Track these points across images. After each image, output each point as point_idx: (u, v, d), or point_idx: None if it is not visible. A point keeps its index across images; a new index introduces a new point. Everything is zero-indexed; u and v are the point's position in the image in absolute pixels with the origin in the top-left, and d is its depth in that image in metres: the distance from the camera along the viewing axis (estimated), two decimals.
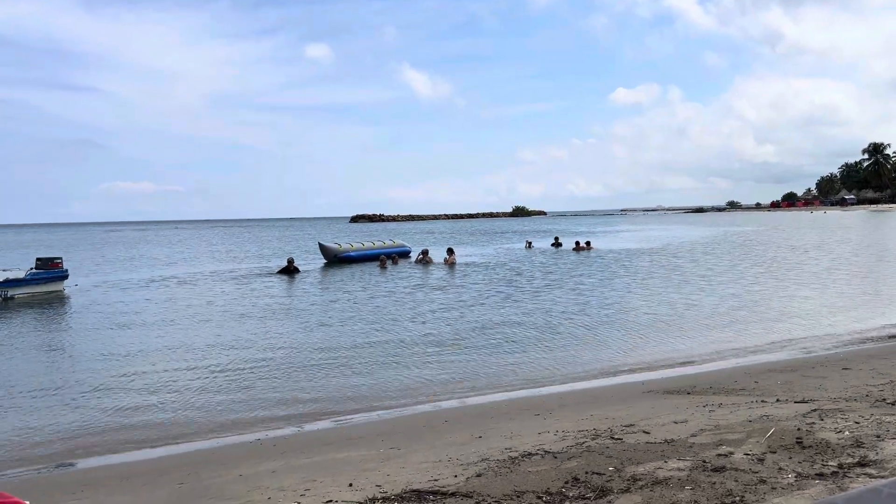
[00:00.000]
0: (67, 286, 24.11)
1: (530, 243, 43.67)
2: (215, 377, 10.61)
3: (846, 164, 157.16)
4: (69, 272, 24.66)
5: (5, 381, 10.71)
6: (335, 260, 33.14)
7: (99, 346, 13.52)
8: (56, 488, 6.07)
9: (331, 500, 4.83)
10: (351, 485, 5.22)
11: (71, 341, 14.40)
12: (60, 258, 24.85)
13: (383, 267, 29.78)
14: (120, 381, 10.50)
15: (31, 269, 23.37)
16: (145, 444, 7.72)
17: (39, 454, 7.43)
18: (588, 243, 38.91)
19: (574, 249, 38.12)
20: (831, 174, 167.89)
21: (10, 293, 21.68)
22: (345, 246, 34.88)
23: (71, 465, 7.11)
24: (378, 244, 36.01)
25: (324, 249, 34.32)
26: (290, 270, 28.04)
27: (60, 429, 8.25)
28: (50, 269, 23.59)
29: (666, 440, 5.80)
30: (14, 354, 12.95)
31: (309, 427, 8.16)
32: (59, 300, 21.68)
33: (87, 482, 6.22)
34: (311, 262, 33.68)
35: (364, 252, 33.86)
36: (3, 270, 22.95)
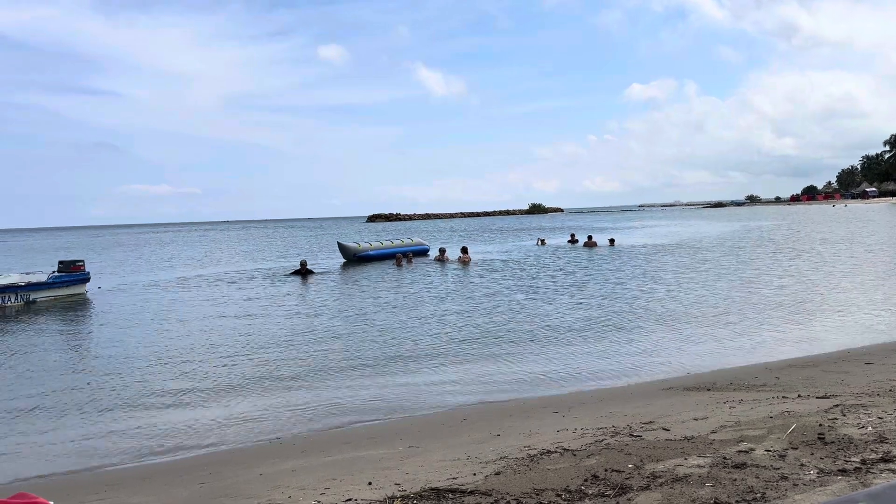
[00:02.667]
0: (90, 289, 24.35)
1: (543, 240, 43.46)
2: (235, 377, 10.68)
3: (867, 156, 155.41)
4: (91, 274, 24.91)
5: (27, 383, 10.85)
6: (354, 259, 33.35)
7: (120, 348, 13.66)
8: (79, 488, 6.15)
9: (350, 499, 4.85)
10: (370, 483, 5.24)
11: (92, 344, 14.56)
12: (82, 261, 25.04)
13: (399, 265, 29.91)
14: (140, 382, 10.59)
15: (54, 272, 23.60)
16: (167, 444, 7.79)
17: (61, 455, 7.52)
18: (612, 241, 38.69)
19: (585, 245, 38.00)
20: (852, 167, 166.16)
21: (32, 297, 21.92)
22: (364, 245, 35.08)
23: (93, 465, 7.19)
24: (396, 243, 36.22)
25: (343, 248, 34.57)
26: (303, 273, 27.64)
27: (82, 430, 8.34)
28: (72, 272, 23.79)
29: (686, 437, 5.76)
30: (35, 358, 13.11)
31: (328, 426, 8.19)
32: (82, 303, 21.89)
33: (109, 482, 6.29)
34: (331, 261, 33.84)
35: (382, 251, 34.03)
36: (25, 274, 23.20)
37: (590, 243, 38.05)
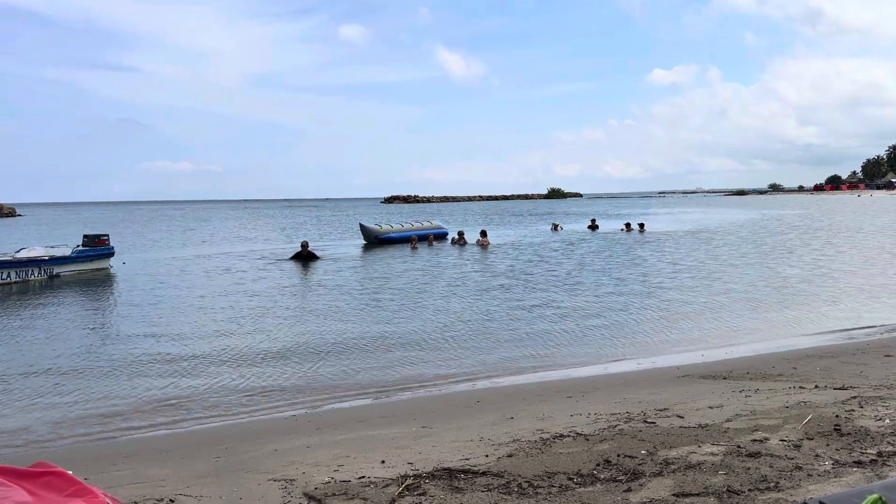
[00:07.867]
0: (114, 264, 24.59)
1: (557, 225, 43.23)
2: (251, 353, 10.78)
3: (893, 146, 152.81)
4: (115, 249, 25.12)
5: (48, 356, 11.02)
6: (376, 241, 33.53)
7: (140, 323, 13.83)
8: (97, 459, 6.25)
9: (363, 476, 4.90)
10: (383, 462, 5.28)
11: (113, 318, 14.75)
12: (107, 235, 25.22)
13: (414, 248, 29.95)
14: (159, 357, 10.72)
15: (78, 246, 23.82)
16: (183, 417, 7.89)
17: (80, 426, 7.63)
18: (641, 225, 39.04)
19: (623, 230, 38.45)
20: (878, 156, 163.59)
21: (55, 271, 22.16)
22: (385, 227, 35.25)
23: (111, 437, 7.30)
24: (417, 225, 36.50)
25: (365, 230, 34.78)
26: (304, 256, 25.37)
27: (101, 402, 8.46)
28: (96, 247, 23.99)
29: (700, 425, 5.74)
30: (57, 330, 13.30)
31: (343, 404, 8.26)
32: (105, 278, 22.12)
33: (127, 454, 6.39)
34: (347, 243, 33.96)
35: (404, 234, 34.17)
36: (50, 248, 23.44)
37: (629, 229, 38.45)
